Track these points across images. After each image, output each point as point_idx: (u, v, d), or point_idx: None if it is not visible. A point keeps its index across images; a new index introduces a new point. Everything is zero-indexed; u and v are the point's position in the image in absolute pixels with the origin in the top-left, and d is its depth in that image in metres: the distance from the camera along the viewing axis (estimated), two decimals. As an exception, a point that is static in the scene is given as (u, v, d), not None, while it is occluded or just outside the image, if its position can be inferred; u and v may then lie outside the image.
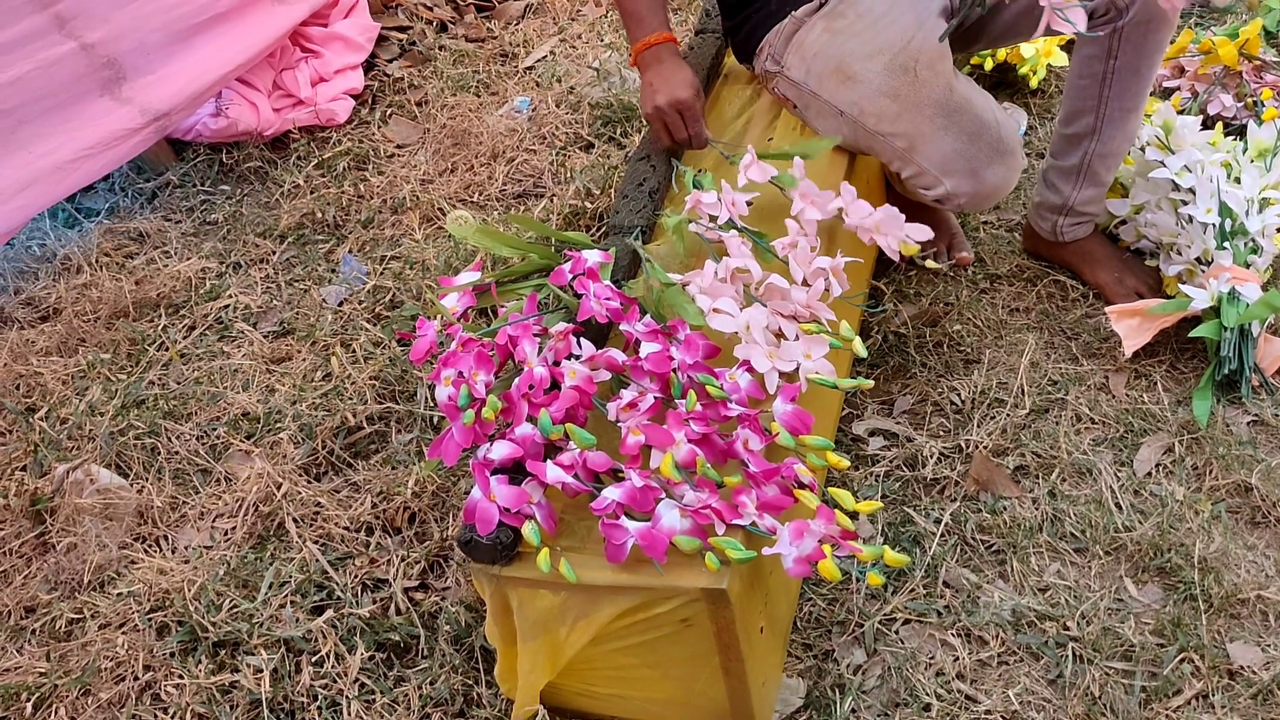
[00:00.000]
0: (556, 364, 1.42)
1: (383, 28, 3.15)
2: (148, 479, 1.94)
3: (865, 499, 1.60)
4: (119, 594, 1.74)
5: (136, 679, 1.62)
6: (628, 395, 1.38)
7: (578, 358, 1.44)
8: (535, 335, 1.46)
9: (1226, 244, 1.87)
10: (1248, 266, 1.85)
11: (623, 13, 1.88)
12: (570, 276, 1.55)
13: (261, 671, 1.59)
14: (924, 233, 1.62)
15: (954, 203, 1.75)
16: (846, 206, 1.59)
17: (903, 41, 1.73)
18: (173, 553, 1.82)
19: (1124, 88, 1.83)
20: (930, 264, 1.69)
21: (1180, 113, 2.21)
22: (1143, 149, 2.01)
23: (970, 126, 1.70)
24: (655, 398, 1.38)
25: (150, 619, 1.69)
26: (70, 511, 1.86)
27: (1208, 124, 2.24)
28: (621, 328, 1.47)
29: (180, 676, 1.61)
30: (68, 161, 2.49)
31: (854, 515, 1.30)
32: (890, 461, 1.79)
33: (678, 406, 1.37)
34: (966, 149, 1.70)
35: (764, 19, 1.90)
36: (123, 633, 1.68)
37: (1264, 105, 2.20)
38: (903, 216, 1.60)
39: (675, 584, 1.29)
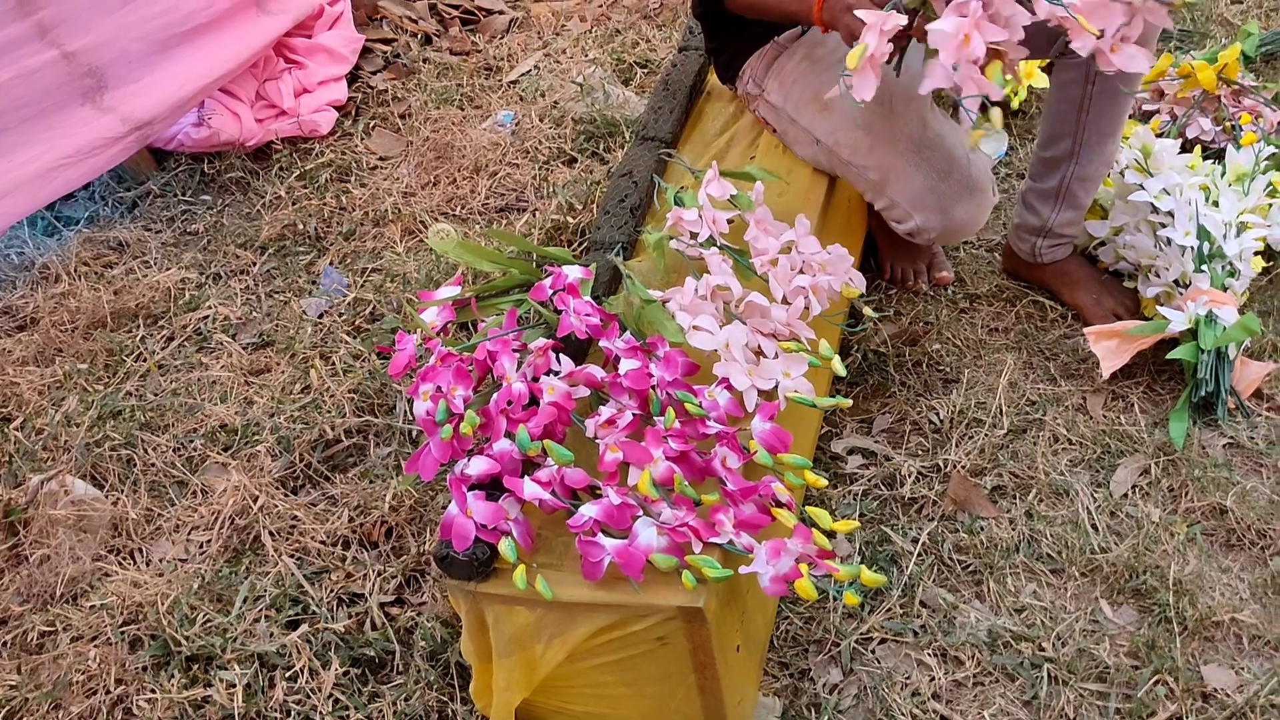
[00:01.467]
0: (535, 380, 1.42)
1: (367, 40, 3.15)
2: (123, 491, 1.93)
3: (843, 518, 1.60)
4: (92, 606, 1.73)
5: (108, 693, 1.61)
6: (606, 412, 1.38)
7: (557, 374, 1.43)
8: (514, 350, 1.45)
9: (1204, 267, 1.88)
10: (1225, 290, 1.86)
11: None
12: (551, 292, 1.55)
13: (234, 686, 1.58)
14: (862, 281, 1.63)
15: (924, 236, 1.78)
16: (797, 240, 1.60)
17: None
18: (147, 565, 1.81)
19: (1101, 113, 1.85)
20: (868, 311, 1.68)
21: (1159, 136, 2.23)
22: (1122, 172, 2.03)
23: (941, 163, 1.73)
24: (634, 415, 1.38)
25: (123, 632, 1.68)
26: (44, 523, 1.84)
27: (1186, 147, 2.26)
28: (601, 344, 1.47)
29: (152, 691, 1.60)
30: (48, 170, 2.47)
31: (831, 534, 1.30)
32: (868, 480, 1.80)
33: (656, 424, 1.37)
34: (937, 185, 1.73)
35: (747, 43, 1.92)
36: (95, 646, 1.67)
37: (1242, 130, 2.22)
38: (850, 259, 1.61)
39: (652, 602, 1.28)
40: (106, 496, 1.92)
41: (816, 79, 1.82)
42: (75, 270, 2.49)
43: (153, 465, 1.97)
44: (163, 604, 1.69)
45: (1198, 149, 2.12)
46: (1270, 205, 2.02)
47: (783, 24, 1.87)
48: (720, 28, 1.95)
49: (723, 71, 2.02)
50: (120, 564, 1.81)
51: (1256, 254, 1.95)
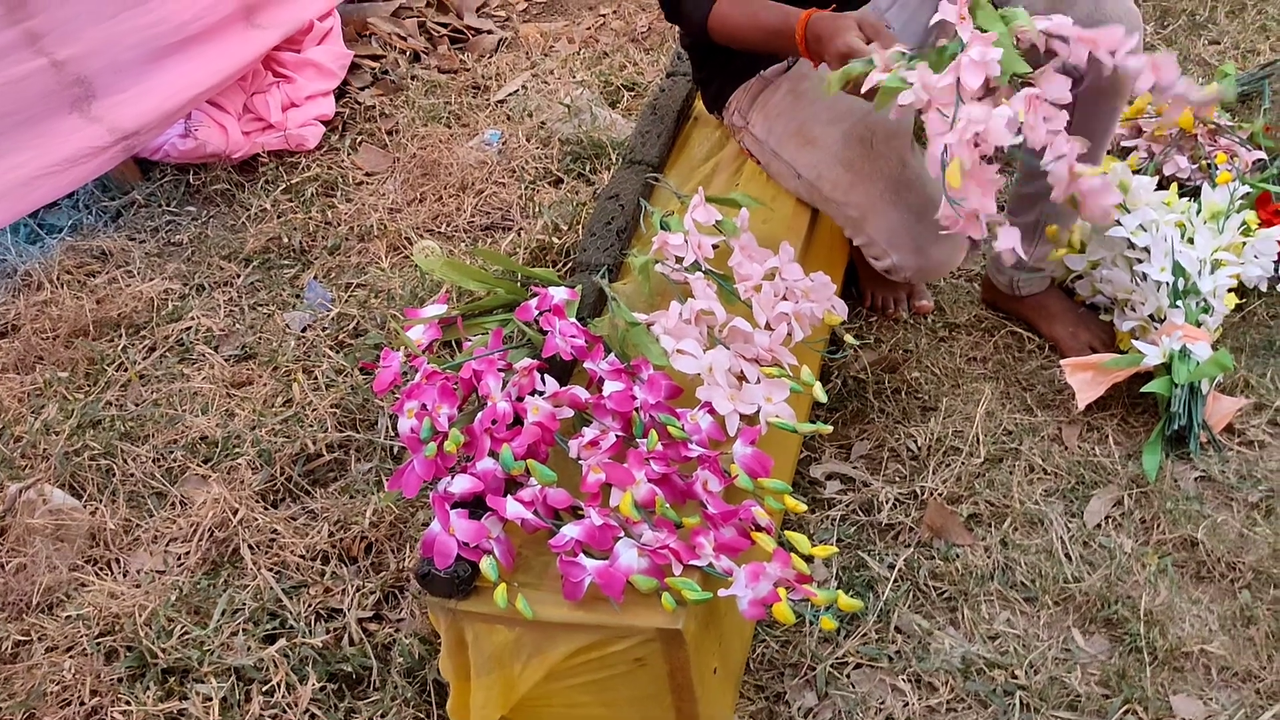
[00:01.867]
0: (520, 400, 1.43)
1: (355, 56, 3.16)
2: (101, 501, 1.92)
3: (821, 542, 1.62)
4: (68, 617, 1.72)
5: (83, 704, 1.60)
6: (590, 433, 1.39)
7: (541, 394, 1.45)
8: (500, 370, 1.47)
9: (1179, 303, 1.91)
10: (1199, 325, 1.89)
11: (763, 23, 1.69)
12: (536, 312, 1.57)
13: (211, 700, 1.58)
14: (844, 308, 1.66)
15: (900, 274, 1.82)
16: (781, 267, 1.62)
17: (862, 110, 1.76)
18: (124, 576, 1.80)
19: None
20: (849, 339, 1.70)
21: (1136, 172, 2.26)
22: (1100, 208, 2.06)
23: (919, 204, 1.75)
24: (617, 436, 1.40)
25: (99, 643, 1.67)
26: (21, 531, 1.84)
27: (1163, 184, 2.29)
28: (585, 365, 1.49)
29: (128, 703, 1.59)
30: (33, 177, 2.47)
31: (809, 559, 1.32)
32: (846, 506, 1.81)
33: (639, 446, 1.38)
34: (914, 226, 1.76)
35: (733, 75, 1.95)
36: (70, 657, 1.66)
37: (1218, 169, 2.25)
38: (833, 286, 1.64)
39: (631, 623, 1.29)
40: (85, 506, 1.91)
41: (800, 114, 1.84)
42: (58, 278, 2.48)
43: (132, 475, 1.97)
44: (140, 615, 1.69)
45: (1174, 186, 2.15)
46: (1244, 243, 2.05)
47: (766, 56, 1.90)
48: (707, 58, 1.98)
49: (710, 101, 2.05)
50: (97, 574, 1.80)
51: (1230, 291, 1.98)
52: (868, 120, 1.77)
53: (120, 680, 1.63)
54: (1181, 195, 2.16)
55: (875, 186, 1.77)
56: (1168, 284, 1.93)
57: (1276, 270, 2.08)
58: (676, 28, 2.03)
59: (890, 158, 1.76)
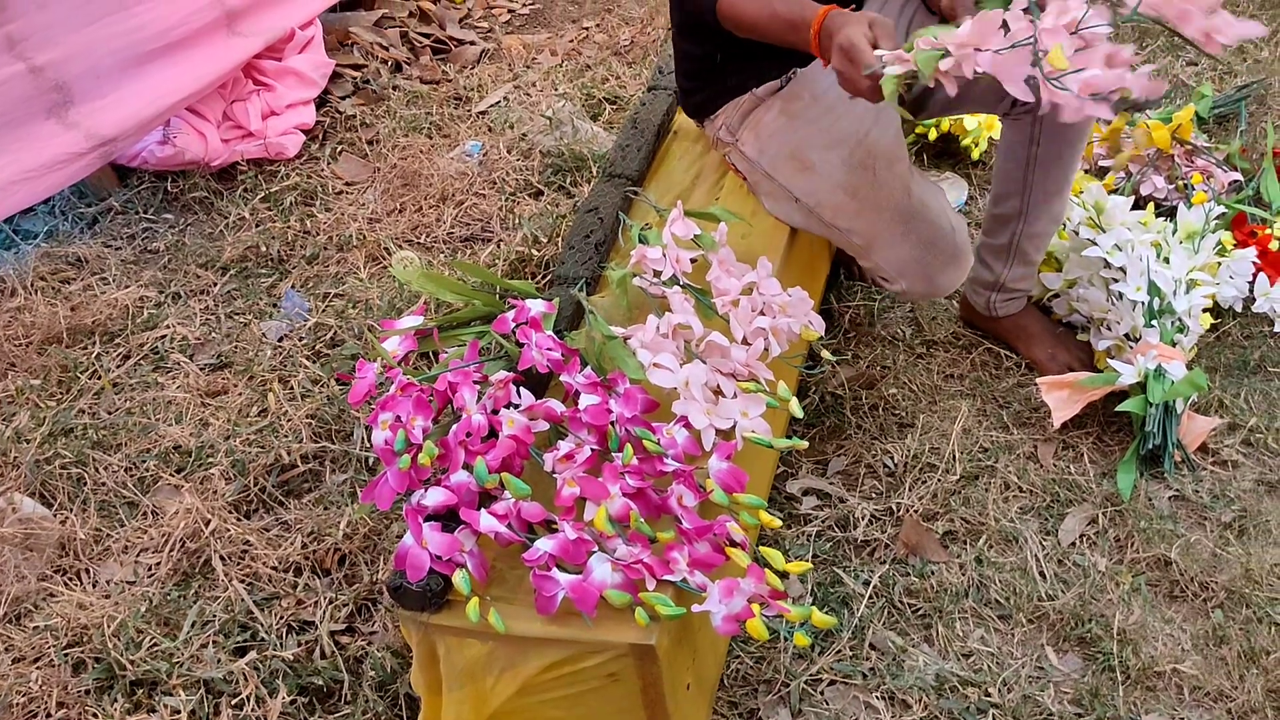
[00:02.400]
0: (495, 412, 1.43)
1: (337, 65, 3.16)
2: (72, 510, 1.90)
3: (796, 558, 1.62)
4: (35, 627, 1.70)
5: (49, 716, 1.58)
6: (565, 446, 1.38)
7: (517, 407, 1.44)
8: (475, 382, 1.46)
9: (1154, 322, 1.92)
10: (1174, 345, 1.91)
11: (779, 13, 1.61)
12: (513, 325, 1.56)
13: (179, 713, 1.56)
14: (821, 324, 1.65)
15: (907, 298, 1.86)
16: (759, 282, 1.62)
17: (859, 134, 1.76)
18: (94, 587, 1.79)
19: (1047, 173, 1.89)
20: (826, 355, 1.70)
21: (1113, 192, 2.28)
22: (1076, 229, 2.07)
23: (928, 234, 1.76)
24: (592, 450, 1.39)
25: (67, 654, 1.66)
26: (-11, 540, 1.82)
27: (1140, 204, 2.31)
28: (562, 379, 1.48)
29: (95, 715, 1.58)
30: (9, 183, 2.45)
31: (784, 575, 1.31)
32: (822, 522, 1.81)
33: (614, 460, 1.37)
34: (923, 256, 1.77)
35: (722, 91, 1.89)
36: (37, 668, 1.64)
37: (1194, 189, 2.27)
38: (810, 301, 1.64)
39: (604, 638, 1.29)
40: (55, 515, 1.89)
41: (795, 136, 1.80)
42: (32, 285, 2.46)
43: (103, 485, 1.95)
44: (109, 626, 1.67)
45: (1150, 206, 2.17)
46: (1219, 264, 2.07)
47: (757, 73, 1.86)
48: (696, 72, 1.92)
49: (692, 109, 1.98)
50: (66, 584, 1.78)
51: (1205, 311, 2.00)
52: (867, 144, 1.76)
53: (88, 692, 1.61)
54: (1158, 215, 2.17)
55: (882, 216, 1.76)
56: (1143, 303, 1.94)
57: (1251, 290, 2.10)
58: (660, 39, 2.01)
59: (895, 186, 1.75)
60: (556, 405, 1.45)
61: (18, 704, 1.59)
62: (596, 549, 1.30)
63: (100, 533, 1.87)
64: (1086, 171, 2.45)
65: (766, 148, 1.84)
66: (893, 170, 1.75)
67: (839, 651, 1.62)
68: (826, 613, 1.29)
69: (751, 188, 1.92)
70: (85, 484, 1.95)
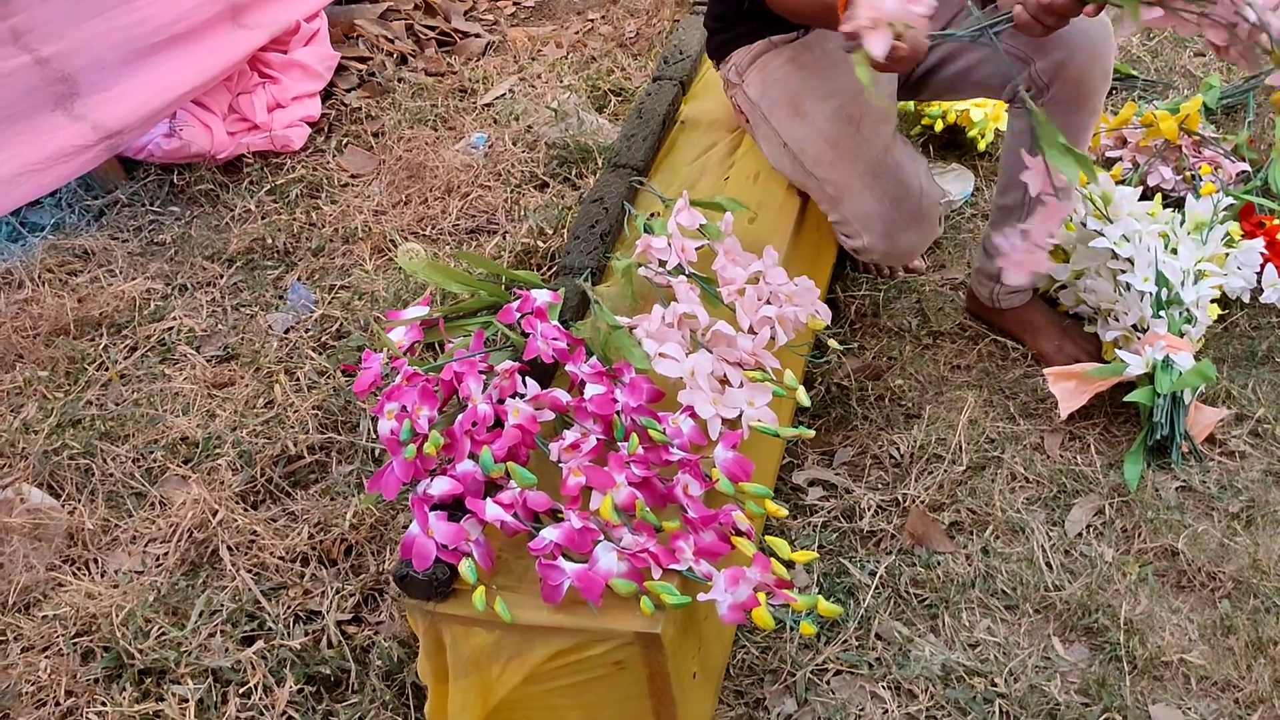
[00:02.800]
0: (501, 402, 1.43)
1: (342, 57, 3.16)
2: (80, 500, 1.91)
3: (802, 548, 1.62)
4: (44, 617, 1.71)
5: (58, 705, 1.59)
6: (570, 436, 1.38)
7: (522, 396, 1.44)
8: (481, 372, 1.46)
9: (1162, 313, 1.92)
10: (1182, 336, 1.90)
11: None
12: (519, 315, 1.56)
13: (187, 701, 1.57)
14: (828, 313, 1.65)
15: (867, 256, 1.87)
16: (765, 270, 1.62)
17: (855, 91, 1.77)
18: (102, 576, 1.79)
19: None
20: (833, 344, 1.71)
21: (1121, 183, 2.27)
22: (1084, 221, 2.06)
23: (894, 191, 1.78)
24: (598, 439, 1.39)
25: (75, 643, 1.66)
26: (-2, 530, 1.82)
27: (1147, 195, 2.30)
28: (567, 368, 1.48)
29: (103, 704, 1.58)
30: (15, 175, 2.46)
31: (790, 564, 1.32)
32: (828, 512, 1.81)
33: (620, 449, 1.37)
34: (887, 212, 1.79)
35: (743, 34, 1.96)
36: (46, 656, 1.65)
37: (1202, 180, 2.26)
38: (817, 291, 1.64)
39: (609, 626, 1.29)
40: (63, 505, 1.90)
41: (796, 84, 1.86)
42: (39, 276, 2.47)
43: (111, 475, 1.95)
44: (117, 616, 1.68)
45: (1158, 197, 2.16)
46: (1227, 254, 2.06)
47: (779, 23, 1.89)
48: (724, 15, 1.97)
49: (713, 50, 2.05)
50: (75, 574, 1.79)
51: (1213, 302, 1.99)
52: (860, 101, 1.80)
53: (96, 680, 1.61)
54: (1166, 206, 2.16)
55: (855, 167, 1.80)
56: (1151, 294, 1.93)
57: (1259, 281, 2.09)
58: (664, 30, 2.03)
59: (875, 143, 1.79)
60: (562, 395, 1.45)
61: (27, 692, 1.60)
62: (602, 538, 1.31)
63: (108, 523, 1.88)
64: (1094, 163, 2.44)
65: (768, 91, 1.91)
66: (876, 129, 1.80)
67: (845, 641, 1.62)
68: (832, 603, 1.29)
69: (750, 131, 1.99)
70: (93, 474, 1.95)
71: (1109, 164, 2.46)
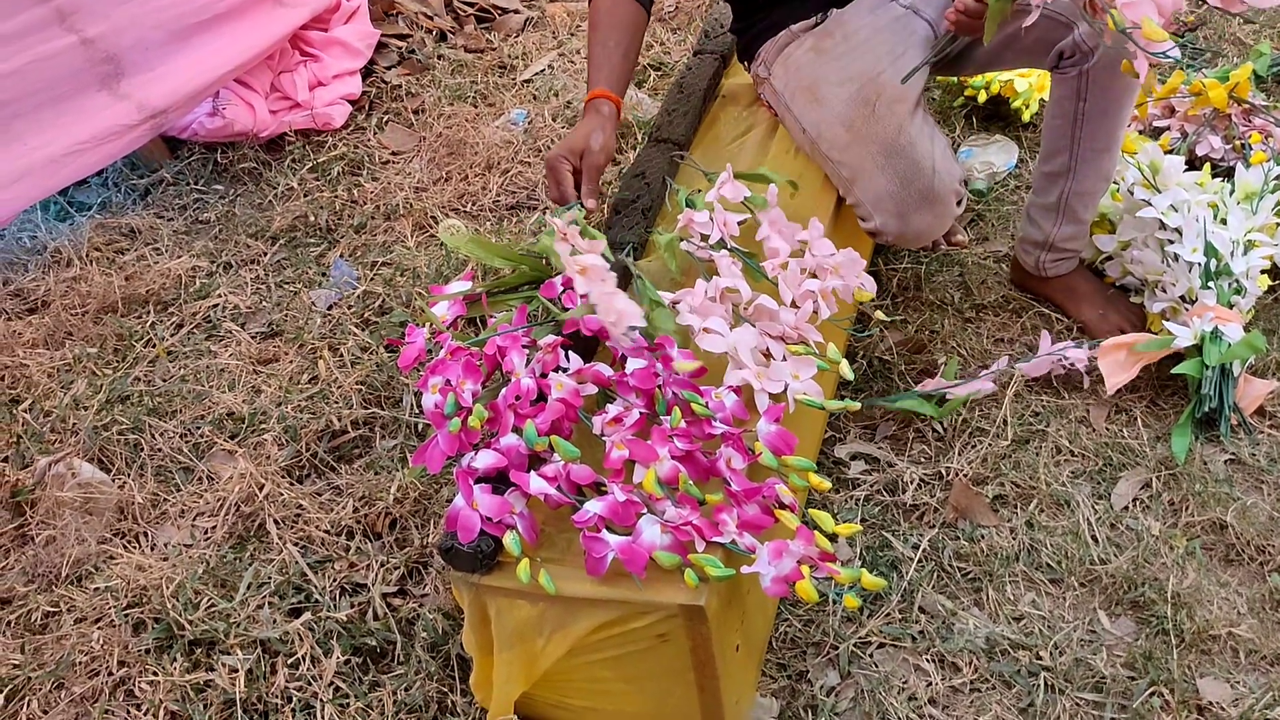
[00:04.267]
0: (544, 376, 1.43)
1: (382, 35, 3.17)
2: (130, 475, 1.94)
3: (845, 522, 1.61)
4: (96, 589, 1.74)
5: (111, 674, 1.62)
6: (613, 410, 1.38)
7: (565, 370, 1.44)
8: (524, 347, 1.46)
9: (1211, 284, 1.89)
10: (1231, 307, 1.87)
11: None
12: (560, 289, 1.56)
13: (237, 671, 1.59)
14: (873, 285, 1.65)
15: (882, 238, 1.83)
16: (811, 242, 1.61)
17: (872, 74, 1.81)
18: (152, 549, 1.82)
19: (1095, 129, 1.86)
20: (879, 315, 1.71)
21: (1169, 153, 2.24)
22: (1130, 189, 2.04)
23: (905, 171, 1.76)
24: (640, 413, 1.39)
25: (127, 615, 1.69)
26: (50, 504, 1.86)
27: (1196, 165, 2.27)
28: (608, 343, 1.48)
29: (155, 673, 1.61)
30: (62, 155, 2.49)
31: (833, 537, 1.31)
32: (871, 486, 1.81)
33: (662, 423, 1.38)
34: (898, 192, 1.77)
35: (766, 29, 1.99)
36: (98, 628, 1.68)
37: (1252, 149, 2.23)
38: (862, 262, 1.62)
39: (653, 599, 1.29)
40: (113, 480, 1.93)
41: (816, 71, 1.88)
42: (87, 255, 2.50)
43: (159, 450, 1.98)
44: (167, 588, 1.70)
45: (1207, 167, 2.13)
46: (1278, 224, 2.03)
47: (800, 11, 1.95)
48: (747, 11, 2.03)
49: (741, 52, 2.10)
50: (125, 547, 1.82)
51: (1263, 272, 1.96)
52: (877, 83, 1.81)
53: (148, 651, 1.64)
54: (1214, 176, 2.13)
55: (868, 149, 1.79)
56: (1199, 265, 1.90)
57: (1310, 252, 2.05)
58: (704, 4, 2.05)
59: (889, 123, 1.78)
60: (604, 369, 1.45)
61: (81, 663, 1.63)
62: (645, 511, 1.31)
63: (157, 497, 1.90)
64: (1141, 132, 2.40)
65: (790, 80, 1.93)
66: (892, 109, 1.79)
67: (888, 615, 1.62)
68: (876, 576, 1.28)
69: (780, 121, 2.00)
70: (142, 449, 1.98)
71: (1156, 134, 2.42)
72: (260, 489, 1.86)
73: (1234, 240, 1.93)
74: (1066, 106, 1.87)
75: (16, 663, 1.64)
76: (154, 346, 2.23)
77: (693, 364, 1.41)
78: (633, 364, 1.43)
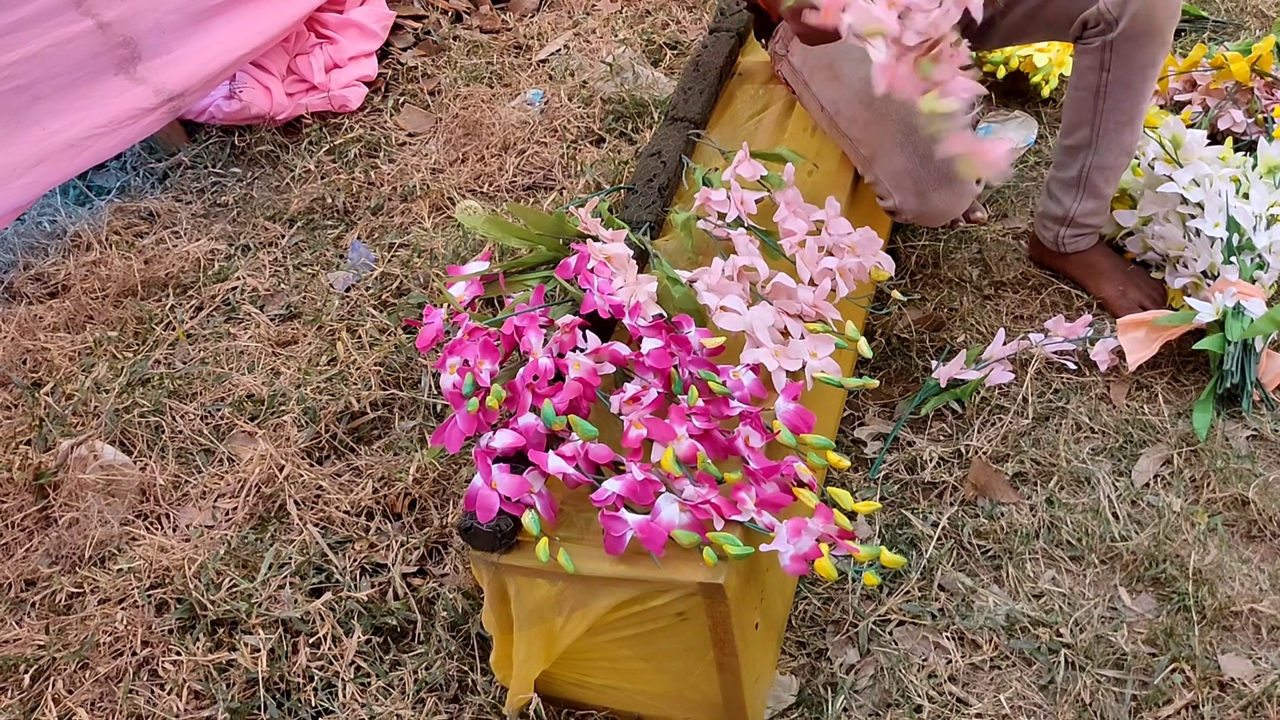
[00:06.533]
0: (561, 356, 1.43)
1: (398, 16, 3.16)
2: (151, 457, 1.95)
3: (864, 500, 1.61)
4: (119, 570, 1.75)
5: (134, 654, 1.63)
6: (631, 389, 1.39)
7: (582, 350, 1.44)
8: (541, 326, 1.46)
9: (1233, 259, 1.87)
10: (1254, 282, 1.86)
11: None
12: (575, 270, 1.56)
13: (259, 651, 1.60)
14: (891, 264, 1.64)
15: (901, 216, 1.82)
16: (828, 221, 1.60)
17: None
18: (174, 531, 1.83)
19: (1118, 101, 1.85)
20: (896, 294, 1.70)
21: (1191, 126, 2.21)
22: (1151, 163, 2.02)
23: (924, 149, 1.75)
24: (658, 392, 1.39)
25: (150, 595, 1.70)
26: (73, 487, 1.87)
27: (1218, 139, 2.24)
28: (625, 322, 1.48)
29: (178, 653, 1.62)
30: (80, 139, 2.50)
31: (852, 515, 1.31)
32: (890, 464, 1.80)
33: (680, 402, 1.37)
34: (917, 170, 1.76)
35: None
36: (122, 608, 1.69)
37: (1275, 122, 2.20)
38: (880, 241, 1.62)
39: (672, 577, 1.29)
40: (135, 462, 1.94)
41: (834, 47, 1.85)
42: (106, 239, 2.51)
43: (180, 432, 2.00)
44: (189, 569, 1.72)
45: (1229, 141, 2.10)
46: (1301, 198, 2.01)
47: None
48: None
49: (759, 29, 2.09)
50: (148, 529, 1.83)
51: (1286, 247, 1.94)
52: None
53: (171, 631, 1.66)
54: (1237, 150, 2.11)
55: (886, 127, 1.77)
56: (1221, 240, 1.89)
57: (1334, 226, 2.03)
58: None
59: (907, 101, 1.76)
60: (622, 348, 1.45)
61: (105, 643, 1.65)
62: (664, 489, 1.31)
63: (178, 479, 1.92)
64: (1162, 107, 2.38)
65: (808, 57, 1.91)
66: None
67: (907, 592, 1.62)
68: (895, 553, 1.28)
69: (798, 99, 1.98)
70: (163, 432, 2.00)
71: (1178, 107, 2.40)
72: (280, 470, 1.87)
73: (1256, 215, 1.91)
74: (1089, 78, 1.85)
75: (42, 643, 1.66)
76: (174, 329, 2.25)
77: (716, 340, 1.41)
78: (648, 344, 1.43)
